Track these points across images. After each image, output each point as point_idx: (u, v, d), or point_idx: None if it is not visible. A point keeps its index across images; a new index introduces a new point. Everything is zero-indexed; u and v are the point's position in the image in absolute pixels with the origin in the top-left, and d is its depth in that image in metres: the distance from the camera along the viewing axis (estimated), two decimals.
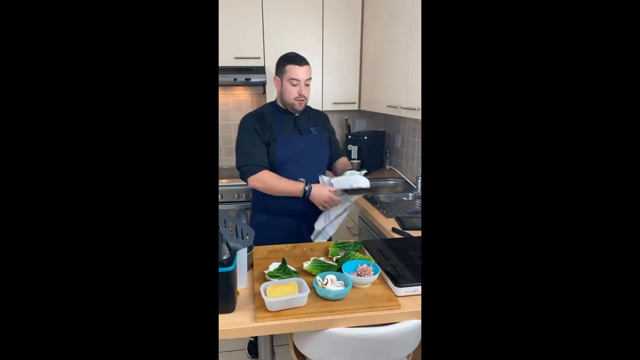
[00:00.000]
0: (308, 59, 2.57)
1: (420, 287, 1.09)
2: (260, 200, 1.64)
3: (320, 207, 1.55)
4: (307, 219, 1.62)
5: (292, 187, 1.52)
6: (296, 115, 1.61)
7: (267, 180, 1.53)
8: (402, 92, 1.99)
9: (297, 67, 1.50)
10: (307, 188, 1.51)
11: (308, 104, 1.65)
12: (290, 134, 1.59)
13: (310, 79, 1.55)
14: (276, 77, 1.58)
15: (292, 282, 1.08)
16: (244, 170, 1.55)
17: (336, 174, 1.74)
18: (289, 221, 1.62)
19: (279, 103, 1.62)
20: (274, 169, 1.56)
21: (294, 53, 1.55)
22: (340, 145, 1.84)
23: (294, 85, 1.52)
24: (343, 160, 1.80)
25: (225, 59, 2.49)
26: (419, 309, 1.04)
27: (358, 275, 1.14)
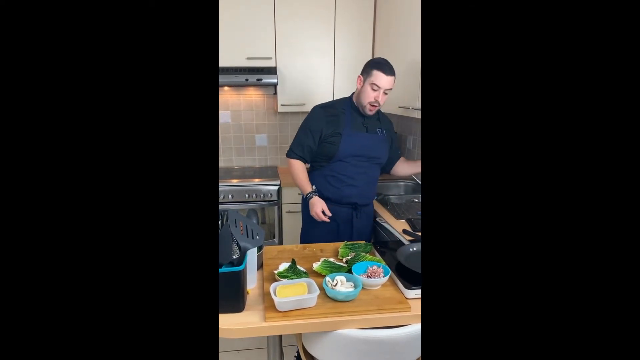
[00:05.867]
0: (319, 60, 2.60)
1: None
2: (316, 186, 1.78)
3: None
4: (358, 207, 1.74)
5: (303, 186, 1.70)
6: (366, 115, 1.69)
7: (293, 169, 1.73)
8: (414, 93, 1.98)
9: (382, 74, 1.55)
10: (308, 195, 1.66)
11: (379, 109, 1.75)
12: (357, 130, 1.69)
13: (391, 89, 1.60)
14: (360, 76, 1.64)
15: (302, 282, 1.08)
16: (289, 150, 1.75)
17: (397, 173, 1.94)
18: (341, 208, 1.74)
19: (354, 100, 1.71)
20: (336, 160, 1.68)
21: (384, 60, 1.59)
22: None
23: (374, 90, 1.58)
24: (403, 160, 1.94)
25: (237, 59, 2.51)
26: None
27: (368, 276, 1.13)
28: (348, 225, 1.75)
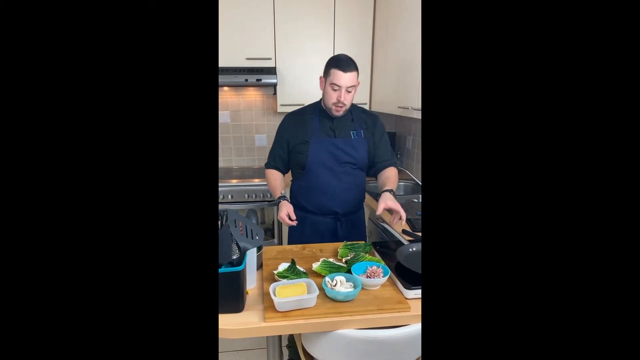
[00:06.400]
0: (318, 60, 2.61)
1: None
2: (292, 197, 1.72)
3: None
4: (341, 217, 1.65)
5: (273, 192, 1.65)
6: (336, 117, 1.58)
7: (266, 177, 1.70)
8: (413, 93, 1.98)
9: (340, 72, 1.44)
10: (277, 200, 1.59)
11: (360, 106, 1.68)
12: (325, 136, 1.59)
13: (354, 85, 1.49)
14: (322, 77, 1.55)
15: (301, 282, 1.08)
16: (267, 162, 1.72)
17: (380, 184, 1.65)
18: (324, 219, 1.66)
19: (322, 103, 1.61)
20: (308, 169, 1.60)
21: (343, 56, 1.49)
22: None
23: (335, 90, 1.48)
24: (390, 173, 1.64)
25: (236, 59, 2.51)
26: None
27: (367, 277, 1.13)
28: (332, 237, 1.66)
